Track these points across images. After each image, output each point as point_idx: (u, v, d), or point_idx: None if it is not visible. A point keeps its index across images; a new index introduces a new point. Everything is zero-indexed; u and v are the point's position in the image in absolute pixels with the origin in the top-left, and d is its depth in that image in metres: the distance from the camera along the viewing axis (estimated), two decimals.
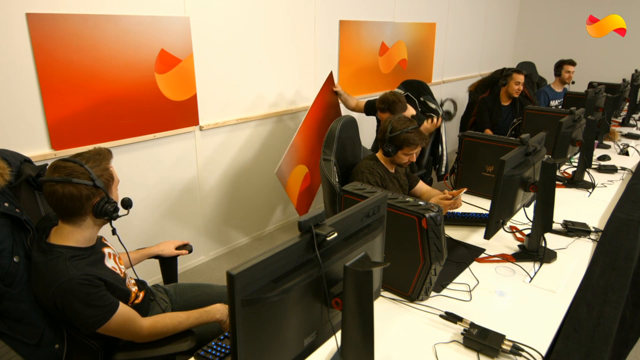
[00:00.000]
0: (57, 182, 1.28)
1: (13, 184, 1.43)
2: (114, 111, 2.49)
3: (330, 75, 3.37)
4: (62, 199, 1.29)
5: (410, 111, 3.12)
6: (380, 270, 1.30)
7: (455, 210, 2.18)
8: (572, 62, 4.51)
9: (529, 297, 1.56)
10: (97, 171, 1.34)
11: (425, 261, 1.42)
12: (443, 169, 3.55)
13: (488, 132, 3.92)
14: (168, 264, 1.92)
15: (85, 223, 1.36)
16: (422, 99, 3.58)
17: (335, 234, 0.98)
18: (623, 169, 2.91)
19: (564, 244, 1.93)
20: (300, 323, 0.99)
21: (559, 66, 4.56)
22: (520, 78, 3.83)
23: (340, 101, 3.52)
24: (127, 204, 1.51)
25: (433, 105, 3.59)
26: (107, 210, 1.35)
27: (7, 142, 2.12)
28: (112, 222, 1.40)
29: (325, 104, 3.35)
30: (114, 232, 1.43)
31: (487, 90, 4.10)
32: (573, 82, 4.63)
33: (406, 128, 2.12)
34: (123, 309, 1.37)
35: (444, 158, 3.58)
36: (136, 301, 1.50)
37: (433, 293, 1.56)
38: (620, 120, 4.34)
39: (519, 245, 1.90)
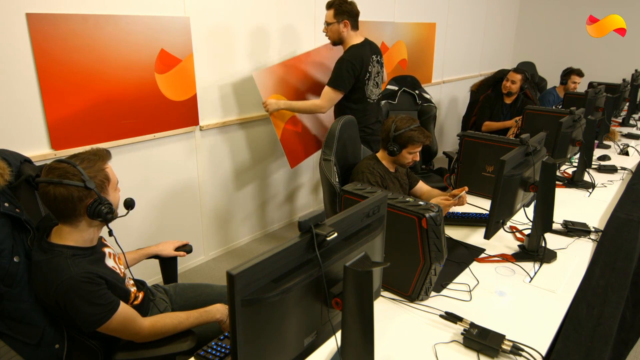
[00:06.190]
0: (49, 183, 1.29)
1: (13, 184, 1.43)
2: (114, 111, 2.49)
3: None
4: (54, 201, 1.29)
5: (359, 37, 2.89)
6: (380, 270, 1.30)
7: (455, 210, 2.18)
8: (580, 73, 4.45)
9: (529, 297, 1.56)
10: (91, 172, 1.33)
11: (425, 261, 1.42)
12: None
13: (487, 123, 4.00)
14: (168, 264, 1.92)
15: (82, 224, 1.36)
16: (417, 91, 3.92)
17: (335, 234, 0.98)
18: (623, 169, 2.91)
19: (564, 244, 1.93)
20: (300, 323, 0.99)
21: (567, 75, 4.51)
22: (515, 77, 3.88)
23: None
24: (129, 204, 1.51)
25: (427, 96, 3.94)
26: (100, 211, 1.34)
27: (7, 142, 2.12)
28: (110, 222, 1.40)
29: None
30: (110, 233, 1.43)
31: (489, 90, 4.15)
32: None
33: (409, 126, 2.14)
34: (124, 308, 1.37)
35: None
36: (135, 302, 1.50)
37: (433, 293, 1.56)
38: (620, 120, 4.34)
39: (519, 245, 1.90)
